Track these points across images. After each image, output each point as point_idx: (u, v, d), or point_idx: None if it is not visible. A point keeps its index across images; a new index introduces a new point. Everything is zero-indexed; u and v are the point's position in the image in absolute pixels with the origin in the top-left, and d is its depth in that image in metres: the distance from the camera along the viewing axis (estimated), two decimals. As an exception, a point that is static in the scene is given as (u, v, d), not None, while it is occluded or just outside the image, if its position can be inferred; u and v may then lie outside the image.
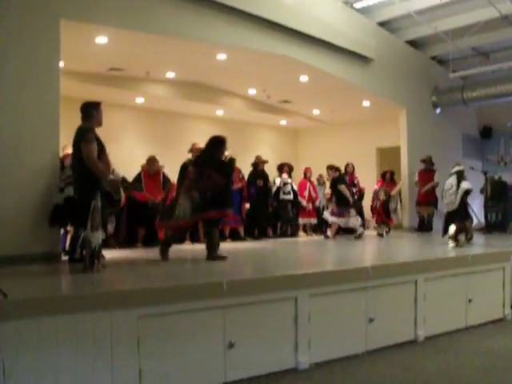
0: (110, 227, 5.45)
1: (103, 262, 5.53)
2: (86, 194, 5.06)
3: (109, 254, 6.27)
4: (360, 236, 10.14)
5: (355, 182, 12.17)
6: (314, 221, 11.99)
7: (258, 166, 10.75)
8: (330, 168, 10.57)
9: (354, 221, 10.31)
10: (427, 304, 5.78)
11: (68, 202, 5.83)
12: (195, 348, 4.20)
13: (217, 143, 6.50)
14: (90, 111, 5.36)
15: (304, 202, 11.69)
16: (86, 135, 5.13)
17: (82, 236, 5.80)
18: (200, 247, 8.56)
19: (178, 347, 4.11)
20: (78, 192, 5.25)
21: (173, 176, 9.15)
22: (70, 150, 6.55)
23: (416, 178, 12.44)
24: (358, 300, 5.24)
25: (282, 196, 11.35)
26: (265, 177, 10.99)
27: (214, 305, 4.30)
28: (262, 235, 10.42)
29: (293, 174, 12.14)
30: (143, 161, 9.42)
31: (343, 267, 5.38)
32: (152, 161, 8.90)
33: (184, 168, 8.08)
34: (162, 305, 4.05)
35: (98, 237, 5.17)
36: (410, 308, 5.69)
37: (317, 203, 12.04)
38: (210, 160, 6.39)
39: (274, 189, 11.39)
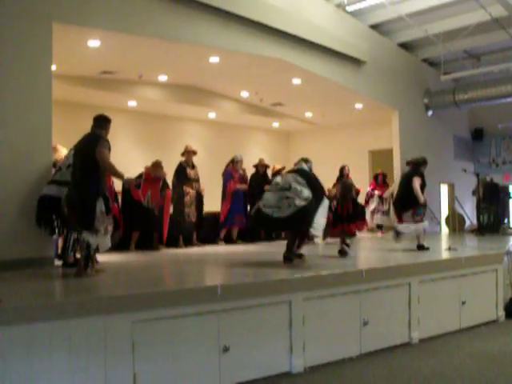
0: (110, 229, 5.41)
1: (97, 267, 5.51)
2: (89, 198, 5.09)
3: (102, 258, 6.24)
4: None
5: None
6: None
7: (258, 168, 10.63)
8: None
9: None
10: (421, 306, 5.80)
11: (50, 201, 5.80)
12: (190, 352, 4.18)
13: None
14: (105, 124, 5.52)
15: None
16: (102, 141, 5.26)
17: (73, 239, 5.81)
18: (193, 250, 8.57)
19: (172, 351, 4.09)
20: (78, 195, 5.17)
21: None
22: (62, 152, 6.55)
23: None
24: (352, 303, 5.25)
25: None
26: (266, 180, 10.79)
27: (209, 309, 4.29)
28: (256, 238, 10.36)
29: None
30: (135, 164, 9.39)
31: (337, 270, 5.37)
32: (157, 165, 8.81)
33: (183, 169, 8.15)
34: (157, 309, 4.04)
35: (107, 241, 5.22)
36: (404, 311, 5.71)
37: None
38: None
39: None
